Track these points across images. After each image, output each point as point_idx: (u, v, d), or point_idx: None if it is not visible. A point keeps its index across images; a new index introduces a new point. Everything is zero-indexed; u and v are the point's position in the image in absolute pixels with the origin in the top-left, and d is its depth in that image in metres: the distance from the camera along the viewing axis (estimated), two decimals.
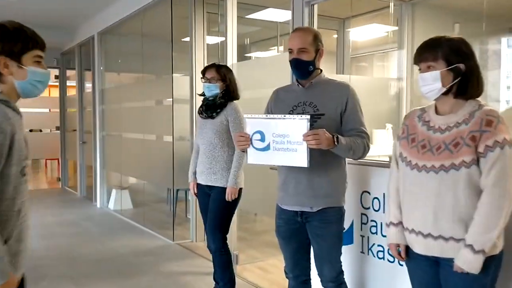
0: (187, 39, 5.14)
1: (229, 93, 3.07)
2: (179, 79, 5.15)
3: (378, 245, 2.55)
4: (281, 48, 6.51)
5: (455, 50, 1.73)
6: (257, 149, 2.26)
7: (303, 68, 2.31)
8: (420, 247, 1.81)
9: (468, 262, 1.65)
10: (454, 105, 1.77)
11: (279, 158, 2.21)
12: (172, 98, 5.10)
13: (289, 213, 2.37)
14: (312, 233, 2.33)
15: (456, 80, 1.73)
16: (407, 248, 1.90)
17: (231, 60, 4.08)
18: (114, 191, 6.96)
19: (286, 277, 2.51)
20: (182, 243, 5.00)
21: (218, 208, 3.06)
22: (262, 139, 2.24)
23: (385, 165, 2.48)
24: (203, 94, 3.17)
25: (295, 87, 2.41)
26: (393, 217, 1.94)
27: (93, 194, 7.37)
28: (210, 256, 3.21)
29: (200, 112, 3.15)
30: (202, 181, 3.14)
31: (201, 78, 3.14)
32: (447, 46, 1.74)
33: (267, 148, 2.24)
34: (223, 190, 3.04)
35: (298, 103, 2.34)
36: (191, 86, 5.04)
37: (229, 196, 3.02)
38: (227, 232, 3.10)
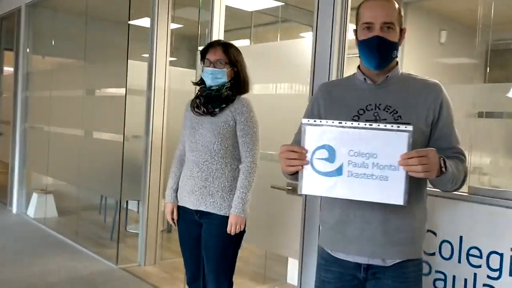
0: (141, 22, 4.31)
1: (239, 83, 2.27)
2: (133, 67, 4.23)
3: None
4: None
5: None
6: (320, 172, 1.50)
7: (387, 52, 1.59)
8: None
9: None
10: None
11: (357, 190, 1.47)
12: (126, 88, 4.17)
13: (347, 265, 1.64)
14: None
15: None
16: None
17: None
18: (35, 195, 5.77)
19: None
20: (128, 267, 4.06)
21: (219, 246, 2.21)
22: (331, 159, 1.49)
23: (463, 198, 1.84)
24: (200, 83, 2.32)
25: (359, 82, 1.68)
26: None
27: (8, 197, 6.11)
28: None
29: (195, 106, 2.28)
30: (189, 204, 2.26)
31: (201, 60, 2.29)
32: None
33: (337, 172, 1.49)
34: (223, 219, 2.19)
35: (367, 106, 1.62)
36: (150, 76, 4.16)
37: (232, 228, 2.18)
38: (232, 276, 2.27)
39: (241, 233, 2.22)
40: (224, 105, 2.19)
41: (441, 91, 1.62)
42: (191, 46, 6.63)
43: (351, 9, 2.14)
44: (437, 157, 1.42)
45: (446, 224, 1.89)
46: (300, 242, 2.44)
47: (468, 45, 4.54)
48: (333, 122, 1.49)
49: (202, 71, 2.26)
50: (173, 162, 2.43)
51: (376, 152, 1.44)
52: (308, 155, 1.50)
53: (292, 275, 3.53)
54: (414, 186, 1.52)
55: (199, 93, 2.28)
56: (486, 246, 1.78)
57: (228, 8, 3.43)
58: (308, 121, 1.52)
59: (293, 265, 3.52)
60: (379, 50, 1.58)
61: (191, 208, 2.27)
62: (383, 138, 1.43)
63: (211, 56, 2.22)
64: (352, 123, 1.48)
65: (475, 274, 1.80)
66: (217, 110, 2.19)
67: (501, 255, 1.73)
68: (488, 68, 5.41)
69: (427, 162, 1.38)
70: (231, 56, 2.21)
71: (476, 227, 1.80)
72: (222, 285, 2.20)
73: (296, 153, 1.50)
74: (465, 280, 1.82)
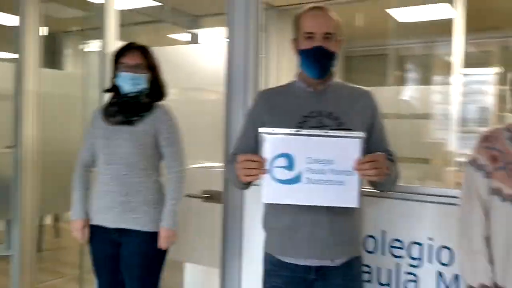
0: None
1: (158, 89, 2.14)
2: None
3: None
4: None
5: None
6: (279, 181, 1.52)
7: (328, 62, 1.67)
8: None
9: None
10: None
11: (315, 196, 1.52)
12: None
13: (297, 268, 1.68)
14: None
15: None
16: None
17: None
18: None
19: None
20: None
21: (145, 265, 2.06)
22: (290, 167, 1.51)
23: (384, 195, 2.01)
24: (112, 89, 2.14)
25: (300, 90, 1.74)
26: (485, 276, 1.48)
27: None
28: None
29: (109, 115, 2.11)
30: (107, 222, 2.08)
31: (116, 64, 2.11)
32: None
33: (296, 180, 1.52)
34: (148, 236, 2.06)
35: (310, 113, 1.68)
36: (18, 78, 3.69)
37: (164, 243, 2.06)
38: None
39: (166, 249, 2.11)
40: (143, 113, 2.05)
41: (373, 98, 1.75)
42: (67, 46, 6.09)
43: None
44: (385, 161, 1.54)
45: (369, 220, 2.04)
46: (221, 251, 2.41)
47: None
48: (290, 131, 1.52)
49: (116, 76, 2.08)
50: (76, 173, 2.19)
51: (333, 159, 1.50)
52: (267, 164, 1.50)
53: (190, 284, 3.47)
54: None
55: (114, 100, 2.09)
56: (406, 237, 1.97)
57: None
58: (267, 130, 1.51)
59: (191, 273, 3.46)
60: (321, 60, 1.65)
61: (109, 226, 2.07)
62: (338, 145, 1.50)
63: (129, 60, 2.06)
64: (308, 131, 1.52)
65: (398, 264, 1.98)
66: (135, 118, 2.04)
67: (421, 244, 1.94)
68: (345, 72, 6.01)
69: (379, 166, 1.49)
70: (150, 61, 2.08)
71: (397, 221, 1.98)
72: None
73: (255, 163, 1.49)
74: (389, 270, 2.00)
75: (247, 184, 1.65)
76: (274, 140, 1.51)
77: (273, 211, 1.72)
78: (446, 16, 4.30)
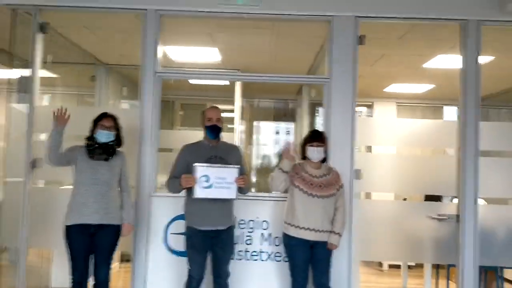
0: None
1: (119, 140, 3.48)
2: None
3: None
4: None
5: None
6: (203, 186, 3.25)
7: (219, 131, 3.47)
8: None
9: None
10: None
11: (219, 193, 3.28)
12: None
13: (205, 232, 3.35)
14: None
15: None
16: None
17: None
18: None
19: None
20: None
21: (113, 245, 3.37)
22: (208, 180, 3.26)
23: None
24: (90, 138, 3.40)
25: (205, 144, 3.46)
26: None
27: None
28: None
29: (97, 154, 3.35)
30: (94, 220, 3.28)
31: (96, 125, 3.38)
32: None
33: (210, 186, 3.27)
34: (117, 227, 3.37)
35: (211, 156, 3.39)
36: None
37: (126, 232, 3.41)
38: None
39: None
40: (113, 155, 3.45)
41: (239, 149, 3.61)
42: None
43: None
44: (247, 178, 3.41)
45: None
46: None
47: None
48: (207, 165, 3.26)
49: (96, 132, 3.37)
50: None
51: (226, 177, 3.29)
52: (197, 179, 3.21)
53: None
54: None
55: (96, 145, 3.36)
56: (247, 217, 3.84)
57: None
58: (198, 164, 3.23)
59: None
60: (216, 131, 3.45)
61: (94, 223, 3.28)
62: (228, 171, 3.31)
63: (105, 123, 3.39)
64: (216, 165, 3.29)
65: (242, 232, 3.83)
66: (111, 157, 3.41)
67: (253, 220, 3.84)
68: None
69: (246, 180, 3.36)
70: (117, 124, 3.50)
71: (244, 209, 3.83)
72: (109, 269, 3.39)
73: (190, 178, 3.19)
74: (241, 234, 3.82)
75: (183, 189, 3.30)
76: (200, 168, 3.23)
77: (194, 203, 3.34)
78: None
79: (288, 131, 8.54)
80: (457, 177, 3.91)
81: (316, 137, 3.52)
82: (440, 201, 4.56)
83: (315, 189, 3.41)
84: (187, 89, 7.33)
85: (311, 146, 3.48)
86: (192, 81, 6.84)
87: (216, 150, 3.45)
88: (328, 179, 3.48)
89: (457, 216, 3.89)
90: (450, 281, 4.57)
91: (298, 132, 7.62)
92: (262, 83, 6.84)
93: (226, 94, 6.69)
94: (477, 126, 3.85)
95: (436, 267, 4.93)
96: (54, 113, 3.35)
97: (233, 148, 3.58)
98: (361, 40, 3.88)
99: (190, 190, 3.33)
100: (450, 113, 7.59)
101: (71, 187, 3.43)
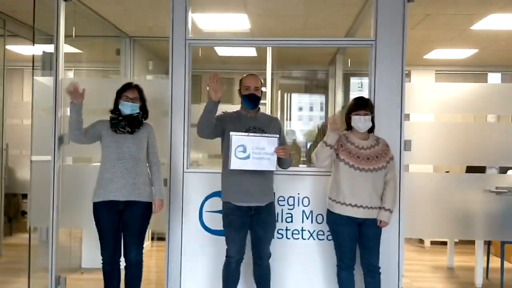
0: None
1: (145, 112, 3.26)
2: None
3: None
4: None
5: None
6: (239, 157, 2.98)
7: (257, 101, 3.19)
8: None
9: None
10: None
11: (257, 164, 3.02)
12: None
13: (243, 208, 3.10)
14: None
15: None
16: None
17: None
18: None
19: None
20: None
21: (143, 223, 3.17)
22: (244, 151, 2.99)
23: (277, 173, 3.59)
24: (115, 111, 3.20)
25: (243, 114, 3.20)
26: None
27: None
28: None
29: (121, 127, 3.14)
30: (121, 196, 3.08)
31: (120, 97, 3.18)
32: None
33: (247, 157, 3.00)
34: (147, 204, 3.16)
35: (250, 127, 3.12)
36: None
37: (158, 209, 3.19)
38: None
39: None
40: (139, 127, 3.22)
41: (278, 120, 3.32)
42: None
43: None
44: (288, 150, 3.12)
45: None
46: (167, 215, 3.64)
47: None
48: (244, 134, 2.99)
49: (120, 104, 3.17)
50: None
51: (264, 147, 3.02)
52: (233, 150, 2.94)
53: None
54: None
55: (120, 118, 3.15)
56: (286, 194, 3.58)
57: None
58: (234, 133, 2.96)
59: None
60: (255, 100, 3.16)
61: (121, 199, 3.08)
62: (267, 140, 3.03)
63: (129, 94, 3.17)
64: (254, 134, 3.01)
65: (282, 209, 3.58)
66: (136, 130, 3.19)
67: (294, 197, 3.57)
68: None
69: (287, 151, 3.07)
70: (142, 95, 3.26)
71: (283, 185, 3.57)
72: (141, 249, 3.20)
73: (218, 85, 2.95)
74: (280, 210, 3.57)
75: (215, 104, 2.98)
76: (236, 137, 2.96)
77: (230, 176, 3.09)
78: None
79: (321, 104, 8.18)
80: None
81: (362, 105, 3.20)
82: (483, 172, 4.23)
83: (362, 162, 3.11)
84: (215, 62, 7.04)
85: (357, 115, 3.17)
86: (220, 53, 6.54)
87: (255, 121, 3.18)
88: (376, 151, 3.17)
89: None
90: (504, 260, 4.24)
91: (330, 105, 7.26)
92: (293, 54, 6.53)
93: (255, 66, 6.38)
94: None
95: (488, 244, 4.61)
96: (68, 90, 3.12)
97: (272, 119, 3.30)
98: None
99: (226, 163, 3.08)
100: (495, 80, 7.13)
101: (99, 164, 3.23)
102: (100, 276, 3.26)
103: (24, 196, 6.52)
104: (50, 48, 4.20)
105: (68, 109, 3.71)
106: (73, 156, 4.10)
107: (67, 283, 3.78)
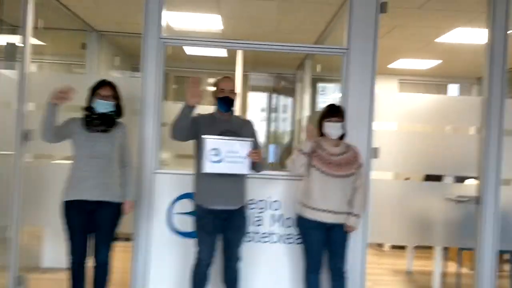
0: None
1: (119, 110, 3.18)
2: None
3: None
4: None
5: None
6: (213, 161, 2.97)
7: (231, 104, 3.19)
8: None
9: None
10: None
11: (229, 168, 3.01)
12: None
13: (215, 212, 3.08)
14: None
15: None
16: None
17: None
18: None
19: None
20: None
21: (113, 223, 3.10)
22: (218, 154, 2.98)
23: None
24: (88, 109, 3.12)
25: (218, 117, 3.18)
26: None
27: None
28: None
29: (94, 125, 3.06)
30: (92, 196, 3.00)
31: (93, 94, 3.08)
32: None
33: (220, 161, 2.99)
34: (117, 205, 3.10)
35: (223, 130, 3.10)
36: None
37: (129, 210, 3.14)
38: None
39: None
40: (113, 126, 3.14)
41: (251, 123, 3.32)
42: None
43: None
44: (261, 153, 3.13)
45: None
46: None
47: None
48: (217, 137, 2.98)
49: (93, 102, 3.07)
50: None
51: (237, 151, 3.02)
52: (206, 153, 2.93)
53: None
54: None
55: (94, 116, 3.07)
56: (257, 197, 3.59)
57: None
58: (207, 136, 2.95)
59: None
60: (229, 103, 3.16)
61: (92, 199, 2.99)
62: (240, 144, 3.03)
63: (103, 92, 3.08)
64: (228, 137, 3.01)
65: (251, 212, 3.59)
66: (110, 129, 3.11)
67: (263, 200, 3.59)
68: None
69: (260, 155, 3.09)
70: (116, 93, 3.18)
71: (256, 189, 3.58)
72: (110, 250, 3.13)
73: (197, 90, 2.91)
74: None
75: (192, 108, 2.93)
76: (210, 141, 2.95)
77: (203, 179, 3.07)
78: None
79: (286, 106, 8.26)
80: (478, 157, 3.71)
81: (334, 112, 3.26)
82: (440, 181, 4.40)
83: (333, 168, 3.17)
84: (183, 60, 6.98)
85: (329, 121, 3.22)
86: (188, 52, 6.49)
87: (229, 124, 3.17)
88: (347, 157, 3.24)
89: (477, 198, 3.71)
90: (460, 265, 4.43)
91: (298, 108, 7.35)
92: (263, 56, 6.56)
93: (224, 67, 6.38)
94: (503, 104, 3.62)
95: (446, 249, 4.79)
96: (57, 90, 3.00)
97: (246, 123, 3.31)
98: (383, 7, 3.59)
99: (199, 165, 3.06)
100: (454, 91, 7.42)
101: (61, 161, 3.13)
102: (61, 276, 3.19)
103: None
104: (13, 39, 4.06)
105: (31, 104, 3.59)
106: (34, 153, 3.96)
107: (28, 283, 3.66)
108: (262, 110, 8.28)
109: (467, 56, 5.75)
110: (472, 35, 4.87)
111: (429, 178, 4.48)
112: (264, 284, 3.59)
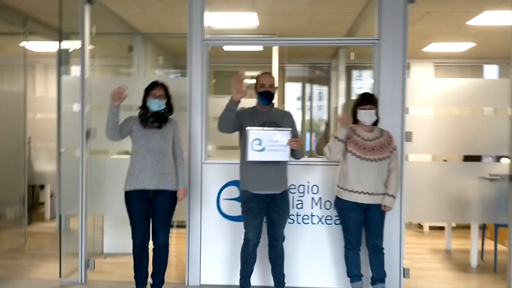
0: None
1: (170, 108, 3.54)
2: None
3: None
4: None
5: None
6: (256, 150, 3.28)
7: (271, 98, 3.47)
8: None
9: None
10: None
11: (272, 156, 3.31)
12: None
13: (261, 196, 3.39)
14: None
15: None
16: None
17: None
18: None
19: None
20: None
21: (171, 209, 3.47)
22: (260, 144, 3.28)
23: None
24: (143, 107, 3.48)
25: (259, 110, 3.47)
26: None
27: None
28: None
29: (150, 122, 3.42)
30: (150, 186, 3.37)
31: (147, 94, 3.45)
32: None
33: (263, 149, 3.29)
34: (173, 193, 3.46)
35: (265, 121, 3.40)
36: None
37: (182, 196, 3.49)
38: None
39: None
40: (166, 122, 3.51)
41: (290, 114, 3.59)
42: None
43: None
44: (301, 141, 3.41)
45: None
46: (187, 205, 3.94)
47: None
48: (259, 128, 3.28)
49: (148, 101, 3.44)
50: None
51: (278, 140, 3.32)
52: (250, 143, 3.23)
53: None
54: None
55: (149, 114, 3.43)
56: (297, 182, 3.88)
57: None
58: (250, 128, 3.25)
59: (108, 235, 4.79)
60: (269, 97, 3.45)
61: (150, 188, 3.37)
62: (281, 133, 3.32)
63: (156, 92, 3.44)
64: (268, 128, 3.30)
65: (292, 197, 3.89)
66: (163, 125, 3.47)
67: (304, 185, 3.88)
68: None
69: (299, 143, 3.37)
70: (167, 92, 3.54)
71: (296, 175, 3.87)
72: (168, 233, 3.50)
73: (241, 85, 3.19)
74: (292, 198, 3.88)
75: (237, 103, 3.24)
76: (253, 132, 3.26)
77: (248, 167, 3.38)
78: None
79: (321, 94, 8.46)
80: (510, 137, 3.85)
81: (367, 100, 3.49)
82: (480, 161, 4.52)
83: (368, 153, 3.40)
84: (221, 56, 7.31)
85: (363, 109, 3.45)
86: (226, 48, 6.81)
87: (269, 116, 3.46)
88: (381, 142, 3.47)
89: (510, 176, 3.85)
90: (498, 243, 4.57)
91: (333, 96, 7.55)
92: (297, 48, 6.80)
93: (260, 60, 6.66)
94: None
95: (483, 227, 4.93)
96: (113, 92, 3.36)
97: (285, 114, 3.59)
98: None
99: (244, 155, 3.38)
100: (492, 72, 7.41)
101: (118, 156, 3.48)
102: (122, 260, 3.58)
103: (41, 187, 6.83)
104: (70, 45, 4.49)
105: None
106: (90, 149, 4.38)
107: (95, 266, 4.11)
108: (298, 99, 8.51)
109: (499, 38, 5.80)
110: (501, 17, 4.95)
111: (468, 158, 4.63)
112: (306, 262, 3.89)
